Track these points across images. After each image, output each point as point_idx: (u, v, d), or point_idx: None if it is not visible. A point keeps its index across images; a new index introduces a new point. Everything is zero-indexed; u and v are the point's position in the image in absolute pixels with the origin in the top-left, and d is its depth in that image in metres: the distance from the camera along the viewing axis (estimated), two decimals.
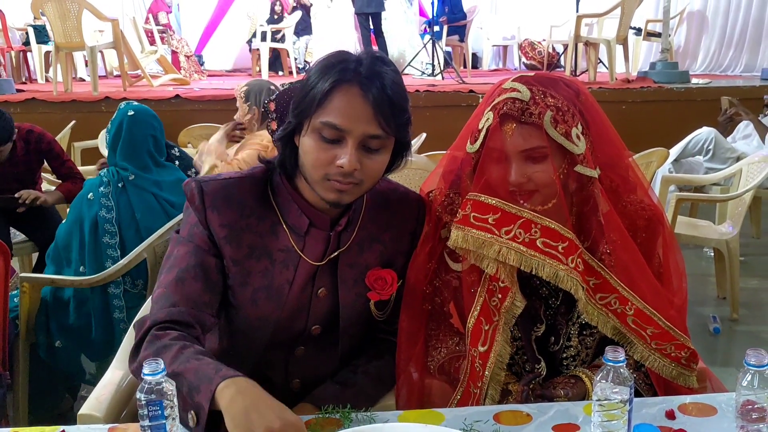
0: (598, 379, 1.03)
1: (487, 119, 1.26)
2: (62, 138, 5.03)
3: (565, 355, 1.38)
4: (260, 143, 2.92)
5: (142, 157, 2.63)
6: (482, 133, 1.27)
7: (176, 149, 3.44)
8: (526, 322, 1.38)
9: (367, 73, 1.19)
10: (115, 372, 1.46)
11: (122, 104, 2.62)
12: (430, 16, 8.60)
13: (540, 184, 1.24)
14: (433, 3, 8.27)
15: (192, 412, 1.08)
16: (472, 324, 1.31)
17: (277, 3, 9.69)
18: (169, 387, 1.00)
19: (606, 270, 1.27)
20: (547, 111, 1.21)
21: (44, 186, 3.52)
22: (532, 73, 1.30)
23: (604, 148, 1.30)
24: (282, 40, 8.94)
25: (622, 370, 1.02)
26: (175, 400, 1.01)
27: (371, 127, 1.19)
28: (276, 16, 9.59)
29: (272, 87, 3.19)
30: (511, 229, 1.22)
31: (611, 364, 1.02)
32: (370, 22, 7.96)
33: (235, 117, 3.25)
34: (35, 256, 3.41)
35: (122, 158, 2.58)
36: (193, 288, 1.24)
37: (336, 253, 1.33)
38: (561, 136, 1.22)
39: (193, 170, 3.34)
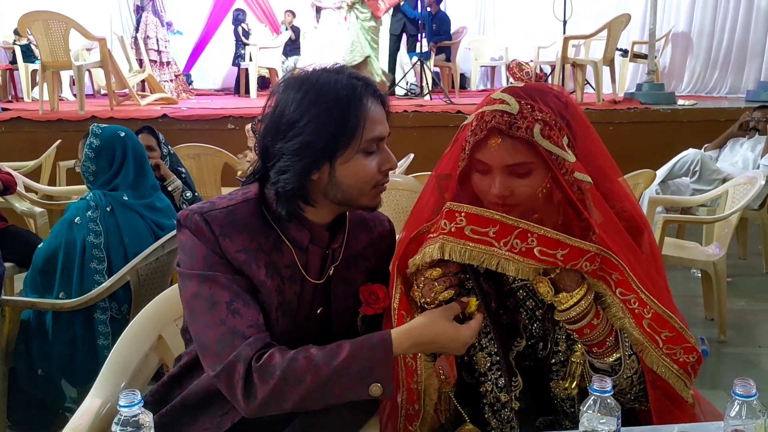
0: (584, 409, 1.02)
1: (471, 123, 1.26)
2: (47, 157, 5.00)
3: (553, 360, 1.36)
4: None
5: (150, 177, 2.62)
6: (466, 141, 1.27)
7: (183, 169, 3.43)
8: (505, 337, 1.37)
9: (368, 81, 1.29)
10: (94, 400, 1.42)
11: (96, 129, 2.51)
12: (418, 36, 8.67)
13: (522, 198, 1.24)
14: (420, 21, 8.33)
15: (373, 385, 1.15)
16: (396, 320, 1.30)
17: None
18: (146, 419, 0.97)
19: (627, 270, 1.24)
20: (535, 124, 1.21)
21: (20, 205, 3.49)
22: (521, 84, 1.31)
23: (592, 158, 1.29)
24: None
25: (609, 400, 1.01)
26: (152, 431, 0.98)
27: (388, 125, 1.31)
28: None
29: None
30: (508, 240, 1.20)
31: (598, 393, 1.01)
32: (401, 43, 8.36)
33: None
34: (17, 278, 3.36)
35: (130, 184, 2.52)
36: (249, 314, 1.23)
37: (332, 269, 1.35)
38: (553, 146, 1.21)
39: (189, 193, 3.32)
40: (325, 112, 1.22)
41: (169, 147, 3.43)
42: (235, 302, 1.23)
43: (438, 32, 8.87)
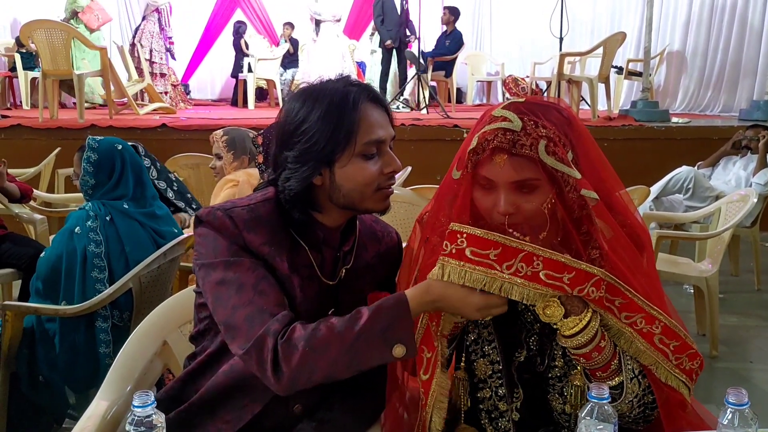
0: (582, 415, 1.05)
1: (473, 145, 1.23)
2: (47, 165, 5.02)
3: (550, 374, 1.36)
4: (233, 181, 2.93)
5: (149, 187, 2.64)
6: (468, 159, 1.24)
7: (173, 175, 3.44)
8: (508, 348, 1.38)
9: (364, 87, 1.33)
10: (100, 403, 1.45)
11: (93, 142, 2.52)
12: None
13: (528, 214, 1.21)
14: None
15: (396, 346, 1.17)
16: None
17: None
18: (159, 419, 0.99)
19: (632, 291, 1.22)
20: (540, 141, 1.18)
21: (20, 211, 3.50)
22: (522, 99, 1.27)
23: (595, 172, 1.27)
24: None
25: (606, 407, 1.03)
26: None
27: (391, 128, 1.35)
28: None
29: (250, 133, 3.19)
30: (512, 263, 1.15)
31: (595, 400, 1.03)
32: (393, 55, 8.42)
33: (212, 165, 3.22)
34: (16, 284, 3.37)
35: (130, 196, 2.54)
36: (274, 294, 1.26)
37: (343, 270, 1.39)
38: (559, 162, 1.19)
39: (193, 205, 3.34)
40: (321, 118, 1.27)
41: (153, 156, 3.41)
42: (261, 284, 1.26)
43: (450, 49, 9.01)
